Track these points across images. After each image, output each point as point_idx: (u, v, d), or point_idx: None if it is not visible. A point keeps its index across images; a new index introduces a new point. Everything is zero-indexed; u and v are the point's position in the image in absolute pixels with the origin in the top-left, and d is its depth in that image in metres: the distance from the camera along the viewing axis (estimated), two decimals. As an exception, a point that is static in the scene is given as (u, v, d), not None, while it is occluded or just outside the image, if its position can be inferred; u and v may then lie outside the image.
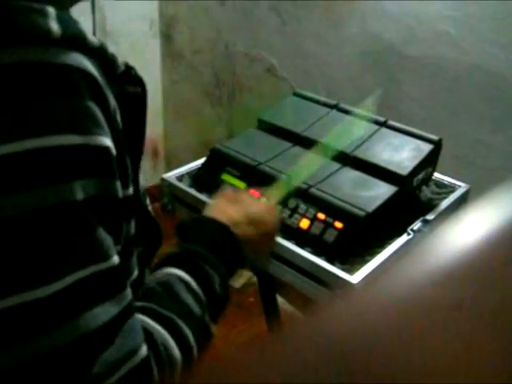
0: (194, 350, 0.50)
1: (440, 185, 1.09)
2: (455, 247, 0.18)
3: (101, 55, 0.47)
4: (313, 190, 0.92)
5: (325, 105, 1.13)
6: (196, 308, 0.53)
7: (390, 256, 0.87)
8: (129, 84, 0.52)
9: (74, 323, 0.41)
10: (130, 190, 0.50)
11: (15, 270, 0.39)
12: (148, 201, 0.64)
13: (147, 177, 1.16)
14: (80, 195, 0.41)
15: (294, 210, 0.92)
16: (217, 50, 1.97)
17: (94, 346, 0.42)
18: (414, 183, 0.98)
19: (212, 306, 0.55)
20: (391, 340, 0.15)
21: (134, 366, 0.44)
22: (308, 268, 0.86)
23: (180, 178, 1.07)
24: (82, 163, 0.42)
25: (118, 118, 0.48)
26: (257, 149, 1.04)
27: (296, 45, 1.69)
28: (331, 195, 0.91)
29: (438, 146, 1.01)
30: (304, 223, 0.90)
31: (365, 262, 0.85)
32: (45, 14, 0.42)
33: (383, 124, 1.06)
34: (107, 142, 0.43)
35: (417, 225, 0.94)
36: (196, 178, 1.06)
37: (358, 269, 0.83)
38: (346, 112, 1.11)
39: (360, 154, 1.00)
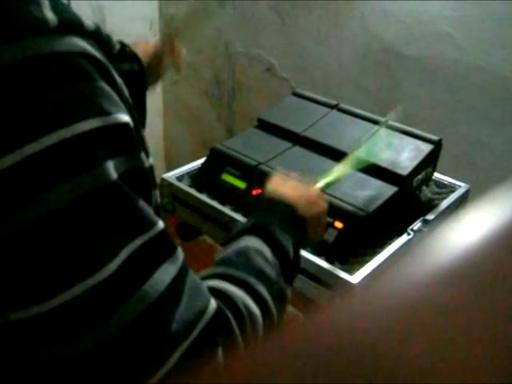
0: (272, 310, 0.53)
1: (440, 185, 1.09)
2: (455, 247, 0.18)
3: (98, 37, 0.47)
4: (313, 190, 0.92)
5: (325, 105, 1.13)
6: (271, 272, 0.55)
7: (390, 256, 0.87)
8: (124, 62, 0.52)
9: (140, 294, 0.42)
10: (151, 160, 0.51)
11: (73, 258, 0.40)
12: None
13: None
14: (114, 175, 0.42)
15: (294, 210, 0.92)
16: (217, 50, 1.97)
17: (165, 309, 0.43)
18: (414, 183, 0.98)
19: (286, 271, 0.58)
20: (391, 340, 0.15)
21: (208, 320, 0.45)
22: (308, 268, 0.86)
23: (180, 178, 1.07)
24: (109, 144, 0.42)
25: (126, 93, 0.48)
26: (257, 149, 1.04)
27: (296, 45, 1.69)
28: (331, 195, 0.91)
29: (438, 145, 1.01)
30: (304, 223, 0.90)
31: (365, 261, 0.85)
32: (38, 3, 0.42)
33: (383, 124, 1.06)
34: (125, 117, 0.44)
35: (417, 225, 0.94)
36: (196, 177, 1.06)
37: (358, 269, 0.83)
38: (346, 112, 1.11)
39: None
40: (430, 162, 1.02)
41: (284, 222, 0.63)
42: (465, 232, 0.18)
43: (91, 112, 0.41)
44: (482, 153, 1.33)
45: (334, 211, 0.88)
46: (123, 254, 0.41)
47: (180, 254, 0.47)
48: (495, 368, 0.14)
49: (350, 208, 0.88)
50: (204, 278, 0.52)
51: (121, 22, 2.06)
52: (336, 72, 1.61)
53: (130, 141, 0.45)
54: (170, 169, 1.12)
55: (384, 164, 0.96)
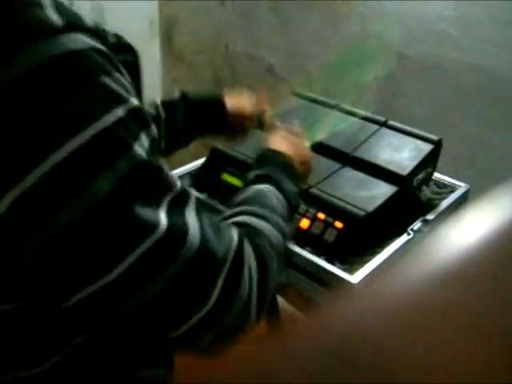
0: (287, 235, 0.62)
1: (440, 185, 1.09)
2: (455, 247, 0.18)
3: (97, 32, 0.48)
4: (313, 190, 0.92)
5: (324, 105, 1.13)
6: (282, 210, 0.64)
7: (390, 256, 0.87)
8: (120, 53, 0.53)
9: (187, 244, 0.47)
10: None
11: (96, 253, 0.43)
12: None
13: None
14: (143, 154, 0.46)
15: (294, 210, 0.91)
16: (217, 50, 1.97)
17: (208, 247, 0.48)
18: (414, 183, 0.98)
19: (289, 213, 0.67)
20: (391, 340, 0.15)
21: (236, 247, 0.52)
22: (308, 268, 0.86)
23: (180, 177, 1.07)
24: (135, 125, 0.46)
25: (129, 79, 0.51)
26: (257, 149, 1.04)
27: (296, 45, 1.69)
28: (331, 195, 0.91)
29: (438, 146, 1.01)
30: (304, 223, 0.90)
31: (365, 262, 0.85)
32: (41, 5, 0.43)
33: (383, 124, 1.06)
34: (135, 101, 0.47)
35: (417, 225, 0.94)
36: (196, 177, 1.06)
37: (358, 269, 0.83)
38: (346, 112, 1.11)
39: (360, 154, 1.00)
40: (430, 162, 1.02)
41: (286, 173, 0.71)
42: (465, 232, 0.18)
43: (117, 101, 0.44)
44: (482, 153, 1.33)
45: (334, 211, 0.88)
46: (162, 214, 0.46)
47: (192, 195, 0.52)
48: (496, 367, 0.14)
49: (349, 208, 0.88)
50: (229, 217, 0.60)
51: (121, 22, 2.05)
52: (336, 72, 1.61)
53: (145, 117, 0.48)
54: (169, 169, 1.12)
55: (384, 164, 0.96)
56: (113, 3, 2.00)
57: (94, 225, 0.42)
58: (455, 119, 1.36)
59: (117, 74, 0.46)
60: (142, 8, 2.11)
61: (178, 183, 0.51)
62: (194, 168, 1.09)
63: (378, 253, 0.87)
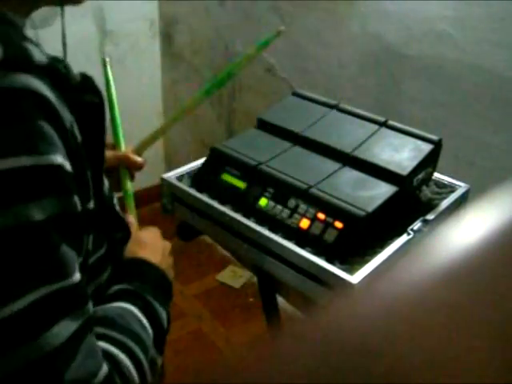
0: (148, 378, 0.54)
1: (440, 185, 1.09)
2: (455, 247, 0.18)
3: (50, 72, 0.47)
4: (313, 190, 0.92)
5: (325, 105, 1.13)
6: (148, 342, 0.55)
7: (390, 256, 0.87)
8: (86, 93, 0.52)
9: (34, 344, 0.41)
10: (91, 204, 0.51)
11: None
12: (115, 200, 0.67)
13: (147, 177, 1.15)
14: (39, 215, 0.41)
15: (294, 210, 0.92)
16: (217, 50, 1.97)
17: (57, 364, 0.42)
18: (414, 183, 0.98)
19: (159, 340, 0.58)
20: (390, 340, 0.15)
21: (99, 383, 0.45)
22: (308, 268, 0.86)
23: (180, 178, 1.07)
24: (37, 183, 0.42)
25: (76, 131, 0.48)
26: (257, 149, 1.04)
27: (296, 45, 1.69)
28: (331, 195, 0.91)
29: (438, 146, 1.01)
30: (304, 223, 0.90)
31: (365, 262, 0.85)
32: None
33: (383, 124, 1.06)
34: (59, 159, 0.43)
35: (417, 225, 0.94)
36: (196, 177, 1.06)
37: (358, 269, 0.83)
38: (346, 112, 1.11)
39: (360, 154, 1.00)
40: (430, 162, 1.02)
41: (158, 285, 0.64)
42: (465, 232, 0.18)
43: (23, 150, 0.41)
44: (482, 153, 1.33)
45: (334, 211, 0.88)
46: (28, 298, 0.41)
47: (88, 310, 0.46)
48: (496, 367, 0.14)
49: (349, 208, 0.88)
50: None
51: (121, 22, 2.06)
52: (336, 72, 1.61)
53: (61, 183, 0.44)
54: (170, 169, 1.12)
55: (384, 164, 0.96)
56: (113, 3, 2.00)
57: None
58: (455, 119, 1.36)
59: (43, 124, 0.43)
60: (142, 8, 2.11)
61: (76, 278, 0.44)
62: (193, 168, 1.09)
63: (378, 253, 0.87)
